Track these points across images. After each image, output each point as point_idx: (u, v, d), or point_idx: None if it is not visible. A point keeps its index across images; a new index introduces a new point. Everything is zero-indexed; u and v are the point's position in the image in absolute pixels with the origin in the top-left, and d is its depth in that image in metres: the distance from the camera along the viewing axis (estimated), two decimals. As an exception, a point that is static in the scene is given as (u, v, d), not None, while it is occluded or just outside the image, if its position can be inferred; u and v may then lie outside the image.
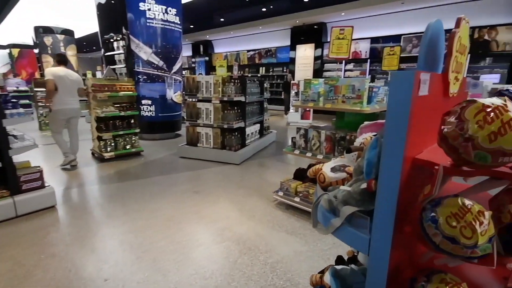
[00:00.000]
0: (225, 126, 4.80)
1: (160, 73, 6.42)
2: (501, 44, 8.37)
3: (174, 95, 6.78)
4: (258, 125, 5.98)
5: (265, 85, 6.09)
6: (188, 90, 5.06)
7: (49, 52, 11.98)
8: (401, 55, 10.23)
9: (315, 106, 2.79)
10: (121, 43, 6.54)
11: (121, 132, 5.04)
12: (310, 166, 3.50)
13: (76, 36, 14.76)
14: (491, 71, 8.52)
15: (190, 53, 18.28)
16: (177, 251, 2.31)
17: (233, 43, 16.13)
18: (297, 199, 2.99)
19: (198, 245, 2.41)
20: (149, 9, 6.00)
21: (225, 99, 4.75)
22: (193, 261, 2.20)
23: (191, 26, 14.09)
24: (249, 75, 14.37)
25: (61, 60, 4.40)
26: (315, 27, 12.28)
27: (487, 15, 8.57)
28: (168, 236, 2.55)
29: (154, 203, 3.24)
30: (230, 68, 8.19)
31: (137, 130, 5.28)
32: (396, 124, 0.66)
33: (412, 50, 9.96)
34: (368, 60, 11.05)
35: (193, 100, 5.13)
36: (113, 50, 6.95)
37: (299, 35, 12.74)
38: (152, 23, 6.10)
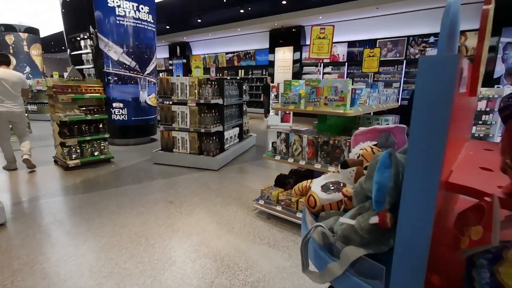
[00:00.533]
0: (202, 130, 4.54)
1: (132, 74, 6.04)
2: (470, 49, 8.74)
3: (148, 97, 6.41)
4: (238, 128, 5.77)
5: (244, 87, 5.90)
6: (162, 92, 4.76)
7: (11, 51, 11.09)
8: (377, 59, 10.50)
9: (296, 108, 2.63)
10: (89, 42, 6.09)
11: (88, 138, 4.64)
12: (292, 172, 3.35)
13: (44, 35, 13.85)
14: (461, 74, 8.87)
15: (167, 55, 17.76)
16: (145, 274, 2.04)
17: (211, 45, 15.85)
18: (278, 207, 2.81)
19: (170, 265, 2.15)
20: (118, 6, 5.63)
21: (202, 101, 4.50)
22: (163, 284, 1.94)
23: (167, 27, 13.66)
24: (228, 77, 14.14)
25: (1, 60, 4.13)
26: (293, 30, 12.30)
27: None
28: (136, 255, 2.27)
29: (122, 217, 2.93)
30: (208, 70, 7.93)
31: (107, 135, 4.89)
32: (429, 134, 0.47)
33: (387, 54, 10.20)
34: (346, 63, 11.20)
35: (168, 103, 4.83)
36: (80, 49, 6.48)
37: (278, 38, 12.72)
38: (123, 20, 5.73)
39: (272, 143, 2.90)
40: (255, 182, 4.06)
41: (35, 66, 11.66)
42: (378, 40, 10.33)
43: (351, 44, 10.99)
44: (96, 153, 4.80)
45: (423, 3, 8.90)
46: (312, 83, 2.51)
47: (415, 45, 9.62)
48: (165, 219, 2.91)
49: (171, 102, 4.81)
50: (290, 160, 2.71)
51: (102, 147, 4.87)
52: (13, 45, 11.03)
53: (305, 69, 12.43)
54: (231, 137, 5.39)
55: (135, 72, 6.07)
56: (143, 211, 3.07)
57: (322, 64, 11.78)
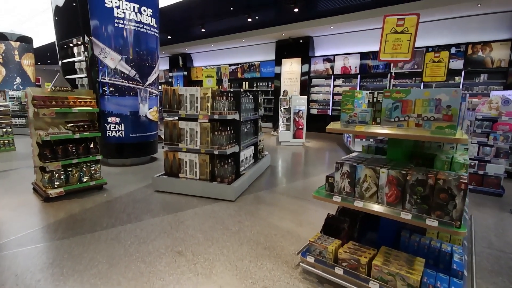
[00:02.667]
0: (216, 152, 3.72)
1: (131, 85, 5.26)
2: (496, 61, 8.14)
3: (148, 111, 5.61)
4: (253, 147, 4.96)
5: (259, 100, 5.14)
6: (167, 106, 3.96)
7: (1, 61, 10.33)
8: (391, 71, 9.88)
9: (368, 130, 1.83)
10: (82, 49, 5.33)
11: (75, 160, 3.79)
12: (342, 212, 2.52)
13: (39, 44, 13.16)
14: (487, 88, 8.23)
15: (167, 67, 17.13)
16: None
17: (213, 57, 15.26)
18: (339, 270, 1.96)
19: None
20: (117, 7, 4.91)
21: (216, 117, 3.70)
22: None
23: (169, 37, 13.05)
24: (231, 90, 13.44)
25: None
26: (301, 41, 11.74)
27: (480, 31, 8.38)
28: None
29: (113, 281, 2.06)
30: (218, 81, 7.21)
31: (98, 157, 4.04)
32: None
33: (404, 66, 9.59)
34: (358, 75, 10.57)
35: (174, 118, 4.03)
36: (72, 56, 5.71)
37: (285, 49, 12.13)
38: (122, 23, 5.00)
39: (328, 177, 2.08)
40: (283, 218, 3.21)
41: (26, 76, 10.89)
42: (393, 51, 9.73)
43: (364, 55, 10.39)
44: (84, 179, 3.93)
45: (444, 13, 8.36)
46: (395, 94, 1.73)
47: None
48: (174, 284, 2.04)
49: (177, 118, 4.01)
50: (358, 203, 1.89)
51: (92, 172, 4.01)
52: (3, 54, 10.29)
53: (314, 81, 11.79)
54: (246, 158, 4.57)
55: (135, 83, 5.29)
56: (143, 271, 2.19)
57: (332, 77, 11.17)
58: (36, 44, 11.98)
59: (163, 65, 17.10)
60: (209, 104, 3.72)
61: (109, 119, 5.20)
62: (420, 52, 9.25)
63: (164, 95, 3.98)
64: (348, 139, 7.52)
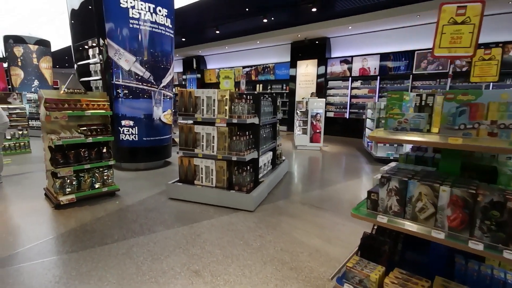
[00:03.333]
0: (234, 158, 3.47)
1: (145, 87, 5.10)
2: (531, 61, 7.57)
3: (162, 114, 5.44)
4: (271, 153, 4.69)
5: (278, 103, 4.87)
6: (182, 109, 3.75)
7: (19, 64, 10.51)
8: (414, 72, 9.44)
9: (424, 139, 1.52)
10: (97, 50, 5.22)
11: (87, 166, 3.62)
12: (380, 231, 2.20)
13: (57, 48, 13.37)
14: (520, 89, 7.66)
15: (181, 69, 17.14)
16: None
17: (227, 59, 15.13)
18: (384, 304, 1.65)
19: None
20: (132, 7, 4.77)
21: (234, 121, 3.46)
22: None
23: (183, 39, 12.99)
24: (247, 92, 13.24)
25: None
26: (317, 42, 11.41)
27: (512, 29, 7.84)
28: None
29: (123, 308, 1.82)
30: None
31: (111, 162, 3.87)
32: None
33: (428, 67, 9.11)
34: (378, 77, 10.14)
35: (189, 122, 3.81)
36: (88, 58, 5.62)
37: (300, 51, 11.83)
38: (137, 24, 4.85)
39: (370, 193, 1.78)
40: (309, 233, 2.91)
41: (44, 79, 11.03)
42: (416, 52, 9.28)
43: (384, 56, 9.96)
44: (97, 185, 3.76)
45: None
46: (460, 96, 1.42)
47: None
48: (192, 313, 1.78)
49: (193, 122, 3.79)
50: (410, 226, 1.58)
51: (105, 177, 3.84)
52: (21, 58, 10.45)
53: (331, 83, 11.43)
54: (264, 164, 4.30)
55: (149, 85, 5.13)
56: (156, 295, 1.95)
57: (350, 79, 10.78)
58: (54, 48, 12.15)
59: (177, 67, 17.13)
60: (227, 107, 3.48)
61: (123, 122, 5.05)
62: (445, 52, 8.75)
63: (179, 98, 3.77)
64: (369, 144, 7.14)
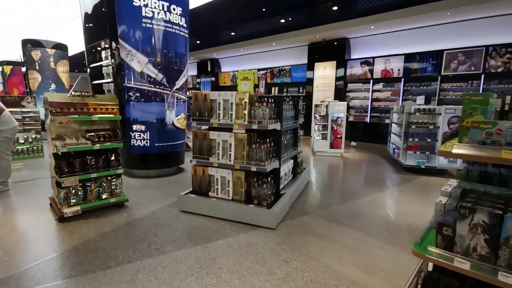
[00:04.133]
0: (254, 169, 3.09)
1: (158, 90, 4.82)
2: None
3: (176, 118, 5.15)
4: (292, 161, 4.28)
5: (299, 106, 4.47)
6: (196, 113, 3.41)
7: (37, 68, 10.59)
8: (443, 74, 8.80)
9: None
10: (110, 52, 5.00)
11: (94, 175, 3.34)
12: (442, 271, 1.75)
13: (74, 52, 13.50)
14: None
15: (195, 72, 17.01)
16: None
17: (241, 61, 14.85)
18: None
19: None
20: (145, 5, 4.51)
21: (254, 127, 3.08)
22: None
23: (197, 42, 12.82)
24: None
25: None
26: (335, 43, 10.94)
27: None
28: None
29: None
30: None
31: (120, 171, 3.57)
32: None
33: (458, 68, 8.46)
34: (402, 79, 9.54)
35: (204, 128, 3.47)
36: (100, 60, 5.43)
37: (318, 52, 11.37)
38: (150, 23, 4.59)
39: (442, 226, 1.34)
40: (342, 260, 2.48)
41: (60, 83, 11.08)
42: (445, 51, 8.65)
43: (409, 57, 9.37)
44: (104, 196, 3.47)
45: (509, 7, 7.22)
46: None
47: (497, 57, 7.83)
48: None
49: (208, 127, 3.45)
50: (504, 277, 1.14)
51: (113, 187, 3.55)
52: (39, 61, 10.53)
53: (350, 86, 10.90)
54: (285, 173, 3.90)
55: (162, 87, 4.85)
56: None
57: (371, 81, 10.23)
58: (71, 52, 12.24)
59: (191, 70, 17.02)
60: (246, 112, 3.11)
61: (134, 127, 4.78)
62: (478, 52, 8.10)
63: (193, 101, 3.43)
64: (396, 150, 6.59)
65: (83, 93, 3.41)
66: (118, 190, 3.60)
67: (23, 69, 11.31)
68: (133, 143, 4.84)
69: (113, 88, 5.03)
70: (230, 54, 14.72)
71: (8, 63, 14.81)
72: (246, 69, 14.49)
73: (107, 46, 5.08)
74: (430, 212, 1.67)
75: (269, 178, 3.25)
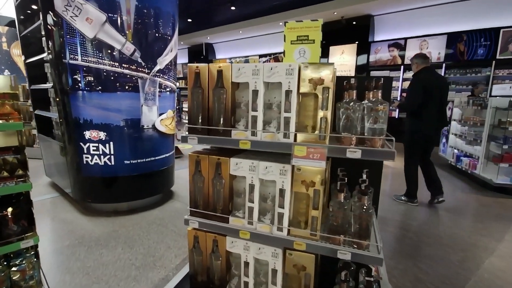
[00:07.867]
0: (344, 252, 1.22)
1: (127, 71, 2.87)
2: None
3: (159, 118, 3.21)
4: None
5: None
6: (198, 117, 1.49)
7: (-16, 50, 8.35)
8: (498, 57, 7.07)
9: None
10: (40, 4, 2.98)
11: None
12: None
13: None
14: None
15: (185, 60, 14.87)
16: None
17: (239, 46, 12.81)
18: None
19: None
20: None
21: (357, 152, 1.20)
22: None
23: (189, 20, 10.71)
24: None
25: None
26: (354, 22, 9.07)
27: None
28: None
29: None
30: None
31: (30, 243, 1.64)
32: None
33: (519, 50, 6.74)
34: (443, 64, 7.76)
35: (214, 149, 1.57)
36: (33, 24, 3.40)
37: (335, 34, 9.46)
38: (106, -52, 2.60)
39: None
40: None
41: (16, 68, 8.88)
42: (502, 30, 6.89)
43: (452, 37, 7.57)
44: (-9, 302, 1.55)
45: None
46: None
47: None
48: None
49: (222, 147, 1.54)
50: None
51: (15, 279, 1.62)
52: (-15, 41, 8.30)
53: (373, 73, 9.09)
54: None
55: (134, 67, 2.89)
56: None
57: (402, 69, 8.43)
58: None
59: (181, 58, 14.84)
60: (328, 114, 1.22)
61: (87, 134, 2.83)
62: (551, 29, 6.36)
63: (191, 90, 1.52)
64: (466, 159, 4.82)
65: None
66: (31, 282, 1.68)
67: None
68: (86, 161, 2.89)
69: (49, 68, 3.04)
70: (227, 37, 12.66)
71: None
72: (245, 55, 12.43)
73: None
74: None
75: (365, 270, 1.40)
